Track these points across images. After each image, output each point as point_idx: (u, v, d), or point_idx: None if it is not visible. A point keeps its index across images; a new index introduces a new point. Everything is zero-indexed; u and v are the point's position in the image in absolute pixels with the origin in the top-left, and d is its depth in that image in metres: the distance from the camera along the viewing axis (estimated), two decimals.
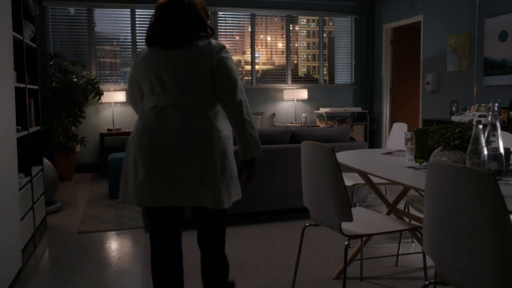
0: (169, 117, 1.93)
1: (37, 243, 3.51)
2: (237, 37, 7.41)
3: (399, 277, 2.84)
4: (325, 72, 7.93)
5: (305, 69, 7.89)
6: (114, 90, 6.62)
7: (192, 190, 1.93)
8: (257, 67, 7.49)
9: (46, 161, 4.37)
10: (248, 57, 7.43)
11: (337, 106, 7.75)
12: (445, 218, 1.49)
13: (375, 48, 7.76)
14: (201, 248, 2.18)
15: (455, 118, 5.04)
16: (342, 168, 2.10)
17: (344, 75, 7.97)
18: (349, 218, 2.08)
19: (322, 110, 7.45)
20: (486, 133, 1.91)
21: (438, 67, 6.23)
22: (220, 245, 2.16)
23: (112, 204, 4.73)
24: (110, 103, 6.64)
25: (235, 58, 7.41)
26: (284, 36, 7.62)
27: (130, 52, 6.86)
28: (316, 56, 7.90)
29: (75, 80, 6.22)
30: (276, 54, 7.58)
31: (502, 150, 1.92)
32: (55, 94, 5.94)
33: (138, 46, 6.87)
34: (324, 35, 7.87)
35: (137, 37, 6.86)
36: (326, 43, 7.90)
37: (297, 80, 7.74)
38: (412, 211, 3.39)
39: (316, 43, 7.89)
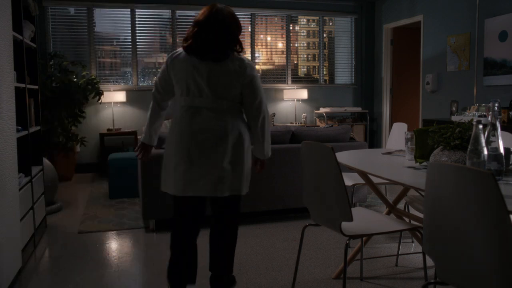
0: (204, 118, 2.27)
1: (37, 243, 3.51)
2: None
3: (399, 277, 2.84)
4: (325, 72, 7.94)
5: (305, 69, 7.89)
6: (114, 90, 6.62)
7: (223, 183, 2.27)
8: (257, 67, 7.49)
9: (46, 161, 4.37)
10: (248, 57, 7.43)
11: (337, 106, 7.75)
12: (445, 218, 1.49)
13: (375, 48, 7.76)
14: (215, 227, 2.49)
15: (455, 118, 5.04)
16: (342, 168, 2.10)
17: (344, 75, 7.97)
18: (349, 218, 2.08)
19: (322, 110, 7.45)
20: (486, 133, 1.91)
21: (438, 67, 6.23)
22: (234, 225, 2.49)
23: (112, 204, 4.73)
24: (110, 103, 6.64)
25: None
26: (284, 36, 7.62)
27: (130, 52, 6.86)
28: (316, 56, 7.90)
29: (75, 80, 6.22)
30: (276, 54, 7.58)
31: (502, 150, 1.92)
32: (55, 94, 5.94)
33: (138, 46, 6.87)
34: (324, 35, 7.87)
35: (137, 37, 6.86)
36: (326, 43, 7.90)
37: (297, 80, 7.74)
38: (412, 211, 3.39)
39: (316, 43, 7.89)
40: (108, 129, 6.55)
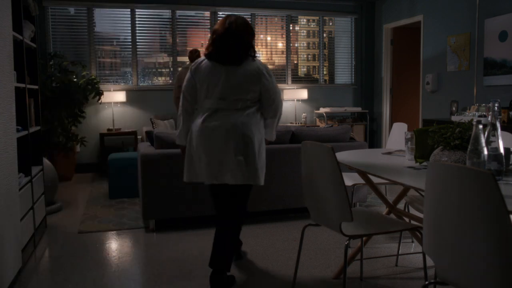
0: (220, 116, 2.58)
1: (37, 243, 3.51)
2: None
3: (399, 277, 2.84)
4: (325, 72, 7.94)
5: (305, 69, 7.89)
6: (114, 90, 6.62)
7: (239, 172, 2.57)
8: None
9: (46, 161, 4.37)
10: None
11: (337, 106, 7.75)
12: (445, 218, 1.49)
13: (375, 48, 7.76)
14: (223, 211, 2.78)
15: (455, 118, 5.04)
16: (342, 168, 2.10)
17: (344, 75, 7.97)
18: (349, 218, 2.08)
19: (322, 110, 7.45)
20: (486, 133, 1.91)
21: (438, 67, 6.23)
22: (241, 211, 2.79)
23: (112, 204, 4.73)
24: (110, 103, 6.64)
25: None
26: (284, 36, 7.62)
27: (130, 52, 6.86)
28: (316, 56, 7.90)
29: (75, 80, 6.22)
30: (276, 54, 7.58)
31: (502, 150, 1.92)
32: (55, 94, 5.94)
33: (138, 46, 6.87)
34: (324, 35, 7.87)
35: (137, 37, 6.86)
36: (326, 43, 7.90)
37: (297, 80, 7.74)
38: (412, 211, 3.39)
39: (316, 43, 7.89)
40: (108, 129, 6.55)
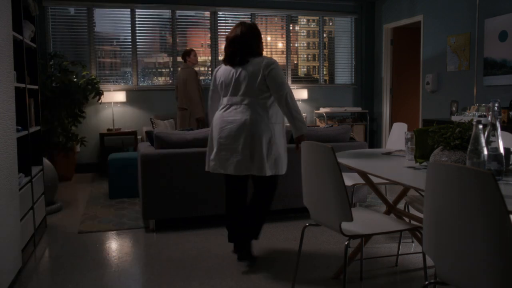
0: (231, 113, 2.89)
1: (37, 243, 3.51)
2: None
3: (399, 277, 2.84)
4: (325, 72, 7.94)
5: (305, 69, 7.89)
6: (114, 90, 6.62)
7: (243, 165, 2.83)
8: None
9: (46, 161, 4.37)
10: None
11: (337, 106, 7.75)
12: (445, 218, 1.49)
13: (375, 48, 7.76)
14: (251, 202, 3.07)
15: (455, 118, 5.04)
16: (342, 168, 2.10)
17: (344, 75, 7.97)
18: (349, 218, 2.08)
19: (322, 110, 7.45)
20: (486, 133, 1.91)
21: (438, 67, 6.23)
22: (267, 199, 3.04)
23: (112, 204, 4.73)
24: (110, 103, 6.64)
25: None
26: (284, 36, 7.62)
27: (130, 52, 6.86)
28: (316, 56, 7.90)
29: (75, 80, 6.22)
30: (276, 54, 7.58)
31: (502, 150, 1.92)
32: (55, 94, 5.94)
33: (138, 46, 6.87)
34: (324, 35, 7.87)
35: (137, 37, 6.86)
36: (326, 43, 7.90)
37: (297, 80, 7.74)
38: (412, 211, 3.39)
39: (316, 43, 7.89)
40: (108, 129, 6.55)
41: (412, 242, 3.46)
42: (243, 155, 2.82)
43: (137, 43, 6.88)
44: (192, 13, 7.17)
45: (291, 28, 7.65)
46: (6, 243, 2.57)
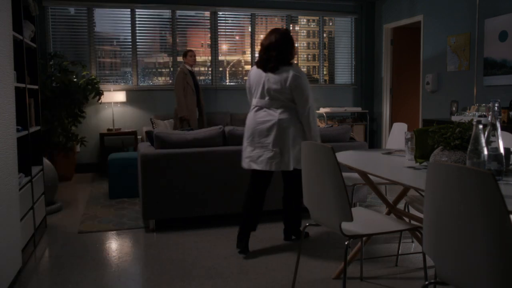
0: (262, 114, 3.15)
1: (37, 243, 3.51)
2: (237, 37, 7.41)
3: (399, 277, 2.84)
4: (325, 72, 7.93)
5: (305, 69, 7.89)
6: (114, 90, 6.62)
7: (273, 161, 3.10)
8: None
9: (46, 161, 4.37)
10: (248, 57, 7.44)
11: (337, 106, 7.74)
12: (445, 218, 1.49)
13: (375, 48, 7.76)
14: (285, 195, 3.46)
15: (455, 118, 5.04)
16: (342, 168, 2.10)
17: (344, 75, 7.97)
18: (349, 218, 2.08)
19: (322, 110, 7.45)
20: (486, 133, 1.91)
21: (438, 67, 6.23)
22: (299, 191, 3.19)
23: (112, 204, 4.73)
24: (110, 103, 6.63)
25: (235, 58, 7.42)
26: None
27: (130, 52, 6.86)
28: (316, 56, 7.90)
29: (75, 80, 6.22)
30: None
31: (502, 150, 1.92)
32: (55, 94, 5.94)
33: (138, 46, 6.87)
34: (324, 35, 7.87)
35: (137, 37, 6.86)
36: (326, 43, 7.90)
37: None
38: (412, 211, 3.39)
39: (316, 43, 7.89)
40: (108, 129, 6.55)
41: (412, 242, 3.46)
42: (273, 152, 3.09)
43: (137, 43, 6.88)
44: (192, 13, 7.17)
45: (291, 28, 7.65)
46: (6, 243, 2.57)
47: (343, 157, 2.74)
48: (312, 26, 7.88)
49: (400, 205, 3.53)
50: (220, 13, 7.19)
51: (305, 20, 7.87)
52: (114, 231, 3.82)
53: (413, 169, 2.31)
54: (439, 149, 2.15)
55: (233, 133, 4.03)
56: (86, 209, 4.54)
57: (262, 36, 7.53)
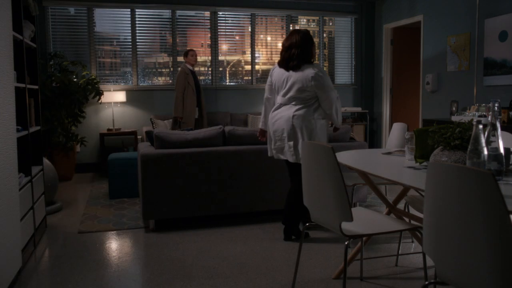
0: (282, 110, 3.38)
1: (37, 243, 3.51)
2: (237, 37, 7.41)
3: (399, 277, 2.84)
4: None
5: None
6: (114, 90, 6.62)
7: (290, 153, 3.33)
8: (257, 67, 7.50)
9: (46, 161, 4.37)
10: (248, 57, 7.44)
11: None
12: (445, 218, 1.49)
13: (375, 48, 7.76)
14: (290, 190, 3.53)
15: (455, 118, 5.03)
16: (342, 168, 2.10)
17: (344, 75, 7.97)
18: (349, 218, 2.08)
19: None
20: (486, 133, 1.91)
21: (438, 67, 6.23)
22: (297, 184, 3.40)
23: (112, 204, 4.73)
24: (110, 103, 6.64)
25: (235, 58, 7.42)
26: (284, 36, 7.61)
27: (130, 52, 6.86)
28: (316, 56, 7.90)
29: (75, 80, 6.22)
30: (276, 54, 7.58)
31: (502, 150, 1.92)
32: (55, 94, 5.94)
33: (138, 46, 6.87)
34: (324, 35, 7.87)
35: (137, 37, 6.86)
36: (326, 43, 7.90)
37: None
38: (412, 211, 3.39)
39: (316, 43, 7.89)
40: (108, 129, 6.55)
41: (412, 242, 3.46)
42: (288, 145, 3.32)
43: (137, 43, 6.87)
44: (192, 13, 7.17)
45: (291, 28, 7.65)
46: (6, 243, 2.57)
47: (343, 157, 2.74)
48: (312, 26, 7.88)
49: (400, 205, 3.53)
50: (220, 13, 7.19)
51: (305, 20, 7.87)
52: (114, 231, 3.82)
53: (413, 169, 2.31)
54: (439, 149, 2.15)
55: (233, 133, 4.04)
56: (86, 209, 4.54)
57: (262, 36, 7.58)
